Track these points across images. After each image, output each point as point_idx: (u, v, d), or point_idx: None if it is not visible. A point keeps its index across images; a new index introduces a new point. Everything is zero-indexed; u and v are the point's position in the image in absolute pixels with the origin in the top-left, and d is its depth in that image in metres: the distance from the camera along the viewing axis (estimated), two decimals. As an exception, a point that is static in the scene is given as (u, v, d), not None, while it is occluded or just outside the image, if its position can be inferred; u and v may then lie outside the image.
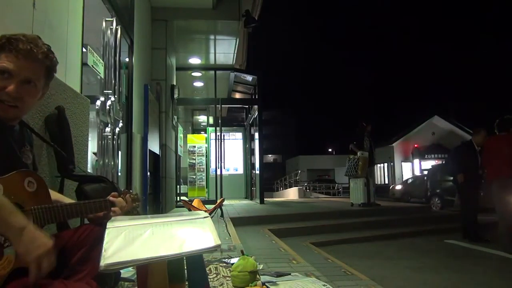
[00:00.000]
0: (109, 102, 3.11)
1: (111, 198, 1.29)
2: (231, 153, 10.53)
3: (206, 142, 10.46)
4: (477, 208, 4.97)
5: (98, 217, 1.29)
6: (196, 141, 10.54)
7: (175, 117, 7.55)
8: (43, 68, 1.18)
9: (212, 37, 7.63)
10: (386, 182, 24.48)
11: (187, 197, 9.38)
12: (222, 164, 8.88)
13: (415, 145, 24.37)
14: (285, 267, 2.49)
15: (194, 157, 10.38)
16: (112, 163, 3.23)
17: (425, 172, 20.69)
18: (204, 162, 10.35)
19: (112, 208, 1.28)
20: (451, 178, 6.17)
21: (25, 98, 1.14)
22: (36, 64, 1.15)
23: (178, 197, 7.92)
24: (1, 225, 0.88)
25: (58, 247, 1.16)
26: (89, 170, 2.72)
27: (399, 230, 5.45)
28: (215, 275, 2.07)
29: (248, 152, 10.74)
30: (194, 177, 10.26)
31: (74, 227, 1.34)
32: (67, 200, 1.34)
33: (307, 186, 20.43)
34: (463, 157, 5.00)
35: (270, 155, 48.10)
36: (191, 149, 10.42)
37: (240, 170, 10.82)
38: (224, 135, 9.86)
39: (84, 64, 2.64)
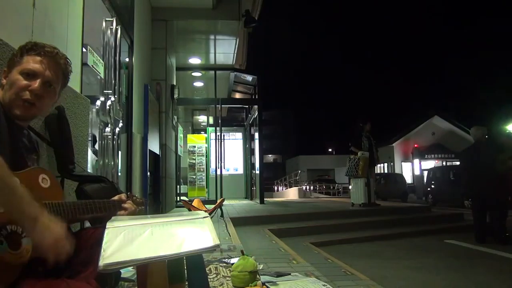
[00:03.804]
0: (109, 102, 3.11)
1: (122, 204, 1.33)
2: (231, 153, 10.54)
3: (206, 142, 10.47)
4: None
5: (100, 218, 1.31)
6: (196, 141, 10.55)
7: (175, 117, 7.55)
8: (61, 74, 1.26)
9: (212, 37, 7.64)
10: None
11: (187, 197, 9.38)
12: (222, 164, 8.88)
13: (415, 145, 24.39)
14: (285, 267, 2.49)
15: (194, 157, 10.39)
16: (112, 163, 3.23)
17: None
18: (204, 162, 10.36)
19: (122, 206, 1.32)
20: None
21: (45, 99, 1.20)
22: (58, 68, 1.23)
23: (178, 197, 7.93)
24: (17, 214, 0.91)
25: None
26: (89, 170, 2.72)
27: (399, 230, 5.45)
28: (215, 275, 2.07)
29: (248, 152, 10.74)
30: (194, 177, 10.26)
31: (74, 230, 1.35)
32: None
33: (307, 186, 20.44)
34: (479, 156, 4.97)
35: (270, 155, 48.14)
36: (191, 149, 10.43)
37: (240, 170, 10.83)
38: (224, 135, 9.87)
39: (84, 64, 2.64)
